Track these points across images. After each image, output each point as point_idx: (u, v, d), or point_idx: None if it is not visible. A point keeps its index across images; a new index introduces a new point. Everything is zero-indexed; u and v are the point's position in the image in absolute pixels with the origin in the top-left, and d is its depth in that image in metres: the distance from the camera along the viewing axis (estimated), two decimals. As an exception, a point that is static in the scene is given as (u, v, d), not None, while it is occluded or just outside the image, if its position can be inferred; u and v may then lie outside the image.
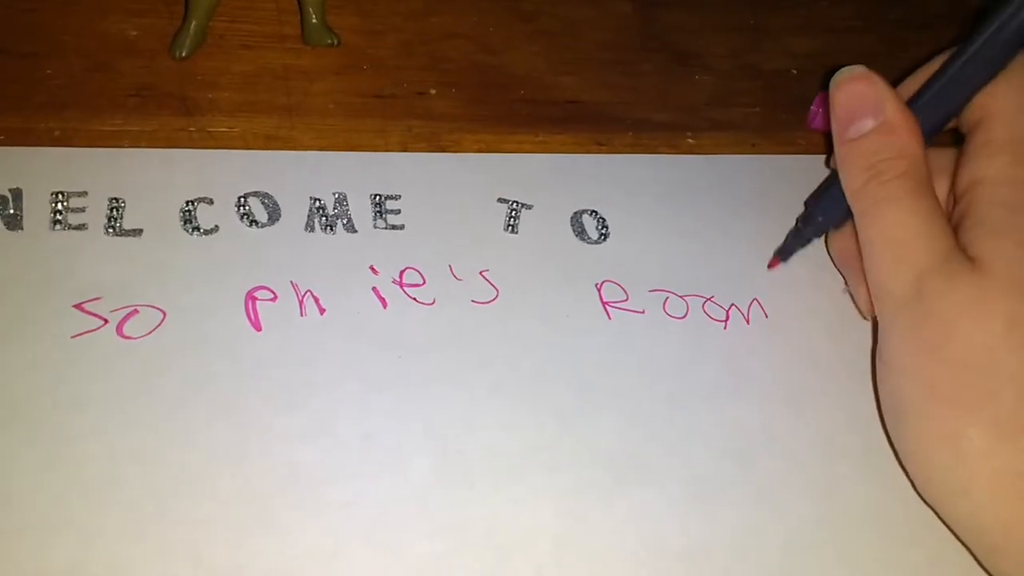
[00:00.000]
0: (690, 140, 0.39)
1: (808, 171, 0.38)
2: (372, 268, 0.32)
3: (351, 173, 0.34)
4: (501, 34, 0.41)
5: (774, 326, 0.33)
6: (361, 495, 0.27)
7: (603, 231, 0.35)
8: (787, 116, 0.41)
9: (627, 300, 0.33)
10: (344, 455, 0.28)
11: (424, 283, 0.32)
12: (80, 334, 0.29)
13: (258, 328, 0.30)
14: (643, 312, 0.33)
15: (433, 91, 0.38)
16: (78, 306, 0.29)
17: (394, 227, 0.33)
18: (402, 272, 0.32)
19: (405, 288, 0.32)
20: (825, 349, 0.33)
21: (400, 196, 0.34)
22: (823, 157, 0.39)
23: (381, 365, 0.30)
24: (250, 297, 0.30)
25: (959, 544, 0.28)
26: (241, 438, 0.27)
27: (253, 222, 0.32)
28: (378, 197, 0.34)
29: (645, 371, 0.31)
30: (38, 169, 0.32)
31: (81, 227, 0.31)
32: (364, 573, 0.26)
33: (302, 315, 0.30)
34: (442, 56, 0.39)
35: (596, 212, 0.35)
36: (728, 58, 0.43)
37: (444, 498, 0.27)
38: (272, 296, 0.30)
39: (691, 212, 0.36)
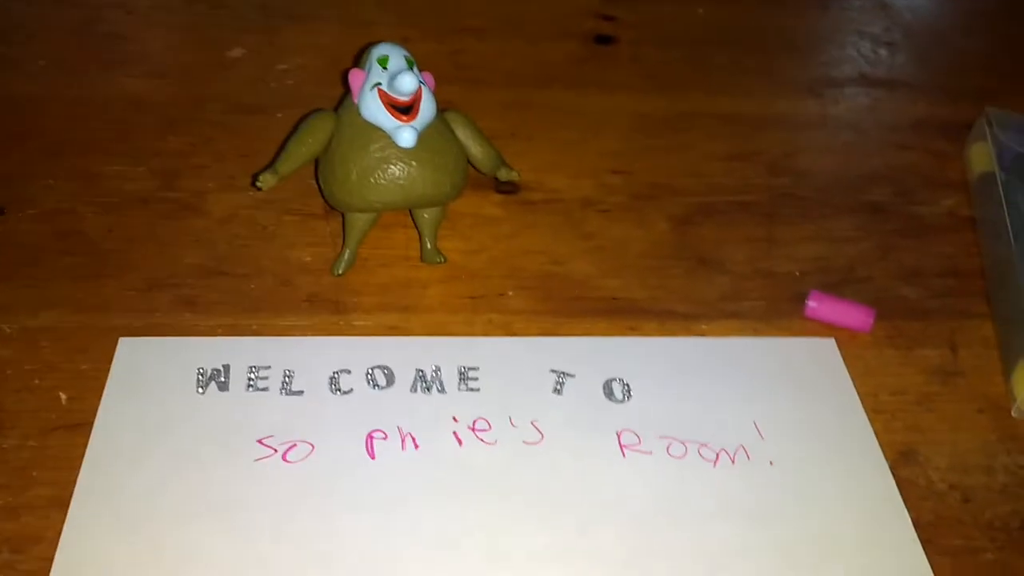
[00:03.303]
0: (703, 327, 0.51)
1: (795, 350, 0.49)
2: (454, 418, 0.45)
3: (445, 352, 0.48)
4: (566, 250, 0.56)
5: (755, 465, 0.44)
6: (436, 567, 0.39)
7: (627, 393, 0.47)
8: (787, 307, 0.52)
9: (639, 443, 0.45)
10: (429, 540, 0.40)
11: (490, 429, 0.45)
12: (260, 459, 0.43)
13: (372, 457, 0.43)
14: (651, 453, 0.44)
15: (511, 293, 0.53)
16: (260, 441, 0.44)
17: (472, 389, 0.47)
18: (475, 421, 0.45)
19: (476, 432, 0.45)
20: (791, 483, 0.43)
21: (479, 367, 0.48)
22: (814, 340, 0.50)
23: (456, 485, 0.42)
24: (369, 436, 0.44)
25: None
26: (363, 529, 0.40)
27: (376, 385, 0.47)
28: (463, 368, 0.48)
29: (650, 495, 0.43)
30: (241, 351, 0.48)
31: (264, 389, 0.46)
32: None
33: (403, 449, 0.44)
34: (520, 267, 0.54)
35: (623, 379, 0.48)
36: (744, 263, 0.55)
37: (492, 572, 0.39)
38: (384, 436, 0.44)
39: (694, 379, 0.48)
